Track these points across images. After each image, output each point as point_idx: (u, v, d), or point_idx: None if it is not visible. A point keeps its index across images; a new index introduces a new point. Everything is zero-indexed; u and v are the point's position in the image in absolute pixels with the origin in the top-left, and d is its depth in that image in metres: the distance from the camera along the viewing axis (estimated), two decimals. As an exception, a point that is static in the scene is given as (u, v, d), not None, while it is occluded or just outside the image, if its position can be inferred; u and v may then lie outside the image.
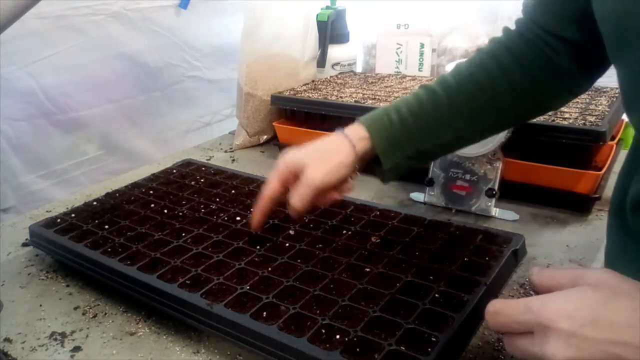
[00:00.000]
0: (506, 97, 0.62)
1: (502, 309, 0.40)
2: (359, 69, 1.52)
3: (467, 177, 0.86)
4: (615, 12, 0.48)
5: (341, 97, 1.10)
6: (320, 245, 0.67)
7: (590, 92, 1.06)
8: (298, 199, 0.59)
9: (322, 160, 0.60)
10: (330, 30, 1.36)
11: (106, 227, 0.74)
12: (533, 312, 0.37)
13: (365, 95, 1.10)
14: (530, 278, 0.44)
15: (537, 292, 0.43)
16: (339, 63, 1.41)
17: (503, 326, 0.40)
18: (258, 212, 0.63)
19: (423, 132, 0.63)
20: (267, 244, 0.68)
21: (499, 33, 0.67)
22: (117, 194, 0.86)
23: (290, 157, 0.62)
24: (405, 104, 0.64)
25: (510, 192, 0.86)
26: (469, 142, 0.68)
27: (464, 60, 0.67)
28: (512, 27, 0.65)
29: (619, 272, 0.40)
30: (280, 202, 0.63)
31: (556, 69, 0.61)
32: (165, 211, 0.78)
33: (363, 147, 0.62)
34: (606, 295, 0.37)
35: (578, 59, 0.60)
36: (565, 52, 0.60)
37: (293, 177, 0.61)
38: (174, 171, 0.94)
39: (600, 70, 0.62)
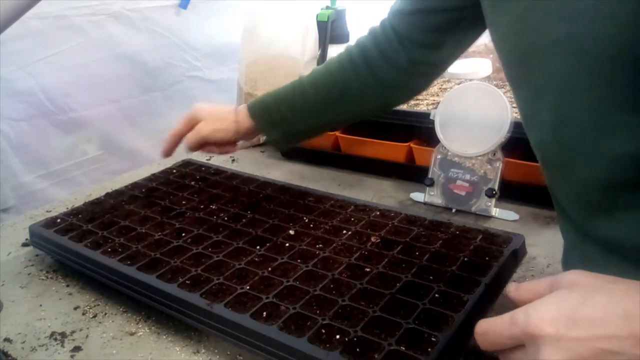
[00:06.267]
0: (355, 93, 0.77)
1: (489, 328, 0.40)
2: (358, 69, 1.52)
3: (467, 177, 0.86)
4: (514, 33, 0.49)
5: (341, 97, 1.10)
6: (320, 245, 0.67)
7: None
8: (188, 140, 0.82)
9: (212, 120, 0.81)
10: (330, 30, 1.36)
11: (106, 227, 0.74)
12: (519, 325, 0.38)
13: (365, 95, 1.10)
14: (509, 295, 0.44)
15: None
16: (339, 63, 1.40)
17: (494, 345, 0.41)
18: (168, 144, 0.84)
19: (294, 117, 0.79)
20: (267, 244, 0.68)
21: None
22: (117, 194, 0.86)
23: (195, 109, 0.83)
24: (283, 91, 0.80)
25: (510, 192, 0.86)
26: (333, 125, 0.86)
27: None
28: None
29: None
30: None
31: (398, 74, 0.74)
32: (165, 211, 0.78)
33: (244, 123, 0.81)
34: (582, 294, 0.37)
35: (419, 61, 0.72)
36: (407, 57, 0.72)
37: (192, 124, 0.82)
38: (174, 171, 0.94)
39: (434, 78, 0.77)
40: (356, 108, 0.79)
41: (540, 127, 0.52)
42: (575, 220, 0.55)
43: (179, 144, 0.84)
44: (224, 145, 0.84)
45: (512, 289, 0.44)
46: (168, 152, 0.85)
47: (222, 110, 0.83)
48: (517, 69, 0.52)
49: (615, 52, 0.41)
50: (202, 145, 0.83)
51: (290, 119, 0.79)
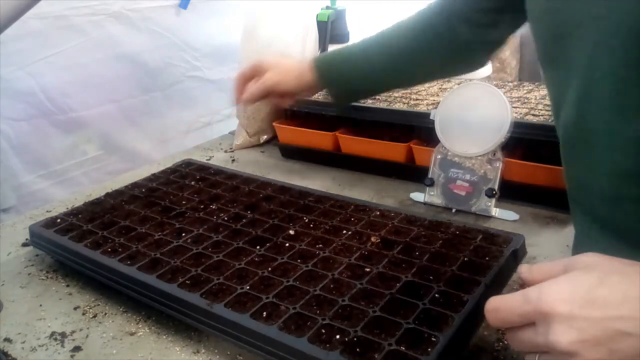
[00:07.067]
0: (419, 59, 0.78)
1: (501, 305, 0.40)
2: (359, 69, 1.52)
3: (467, 177, 0.86)
4: (546, 13, 0.51)
5: (341, 97, 1.10)
6: (320, 245, 0.67)
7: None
8: (253, 88, 0.82)
9: (279, 71, 0.82)
10: (330, 30, 1.36)
11: (106, 227, 0.74)
12: (531, 302, 0.38)
13: (365, 95, 1.10)
14: (521, 275, 0.44)
15: None
16: (339, 63, 1.40)
17: (504, 322, 0.40)
18: (237, 88, 0.85)
19: (356, 75, 0.81)
20: (267, 244, 0.68)
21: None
22: (117, 194, 0.86)
23: (263, 59, 0.84)
24: (348, 51, 0.82)
25: (510, 192, 0.86)
26: (392, 88, 0.88)
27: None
28: None
29: None
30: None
31: (463, 47, 0.74)
32: (165, 211, 0.78)
33: (308, 77, 0.82)
34: (599, 275, 0.37)
35: (483, 40, 0.73)
36: (471, 33, 0.72)
37: (258, 72, 0.83)
38: (174, 171, 0.94)
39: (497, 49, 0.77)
40: (419, 74, 0.82)
41: (566, 106, 0.52)
42: (586, 208, 0.55)
43: (244, 87, 0.85)
44: (284, 96, 0.85)
45: (525, 269, 0.43)
46: (240, 97, 0.85)
47: (289, 63, 0.85)
48: (550, 48, 0.53)
49: (634, 32, 0.42)
50: (265, 95, 0.84)
51: (352, 79, 0.81)
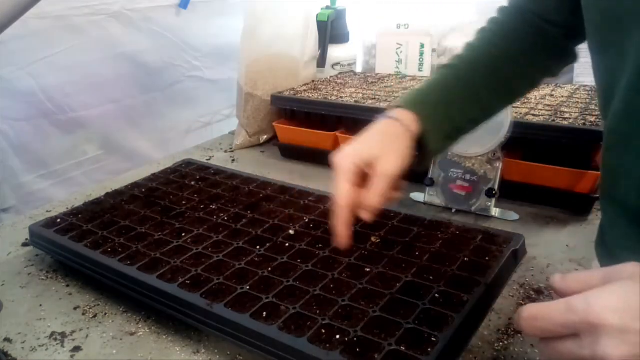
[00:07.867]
0: (519, 65, 0.66)
1: (540, 313, 0.37)
2: (359, 69, 1.52)
3: (467, 177, 0.86)
4: None
5: (341, 97, 1.10)
6: (320, 245, 0.67)
7: (590, 92, 1.06)
8: (376, 194, 0.55)
9: (391, 148, 0.57)
10: (330, 30, 1.36)
11: (106, 227, 0.74)
12: (577, 312, 0.35)
13: (365, 95, 1.10)
14: (554, 285, 0.41)
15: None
16: (339, 63, 1.41)
17: (543, 331, 0.37)
18: (341, 225, 0.57)
19: (457, 110, 0.63)
20: (267, 244, 0.68)
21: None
22: (117, 194, 0.86)
23: (356, 154, 0.57)
24: (436, 84, 0.65)
25: (510, 192, 0.86)
26: (493, 113, 0.69)
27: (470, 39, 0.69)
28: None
29: (612, 251, 0.40)
30: (355, 205, 0.57)
31: (554, 45, 0.66)
32: (165, 211, 0.78)
33: (416, 131, 0.59)
34: None
35: (569, 36, 0.65)
36: (557, 32, 0.64)
37: (362, 177, 0.57)
38: (174, 171, 0.94)
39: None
40: (522, 85, 0.69)
41: (617, 93, 0.51)
42: (618, 198, 0.54)
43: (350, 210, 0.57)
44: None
45: (558, 279, 0.40)
46: (348, 239, 0.57)
47: (383, 133, 0.59)
48: (603, 34, 0.52)
49: None
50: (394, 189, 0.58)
51: (453, 114, 0.63)
